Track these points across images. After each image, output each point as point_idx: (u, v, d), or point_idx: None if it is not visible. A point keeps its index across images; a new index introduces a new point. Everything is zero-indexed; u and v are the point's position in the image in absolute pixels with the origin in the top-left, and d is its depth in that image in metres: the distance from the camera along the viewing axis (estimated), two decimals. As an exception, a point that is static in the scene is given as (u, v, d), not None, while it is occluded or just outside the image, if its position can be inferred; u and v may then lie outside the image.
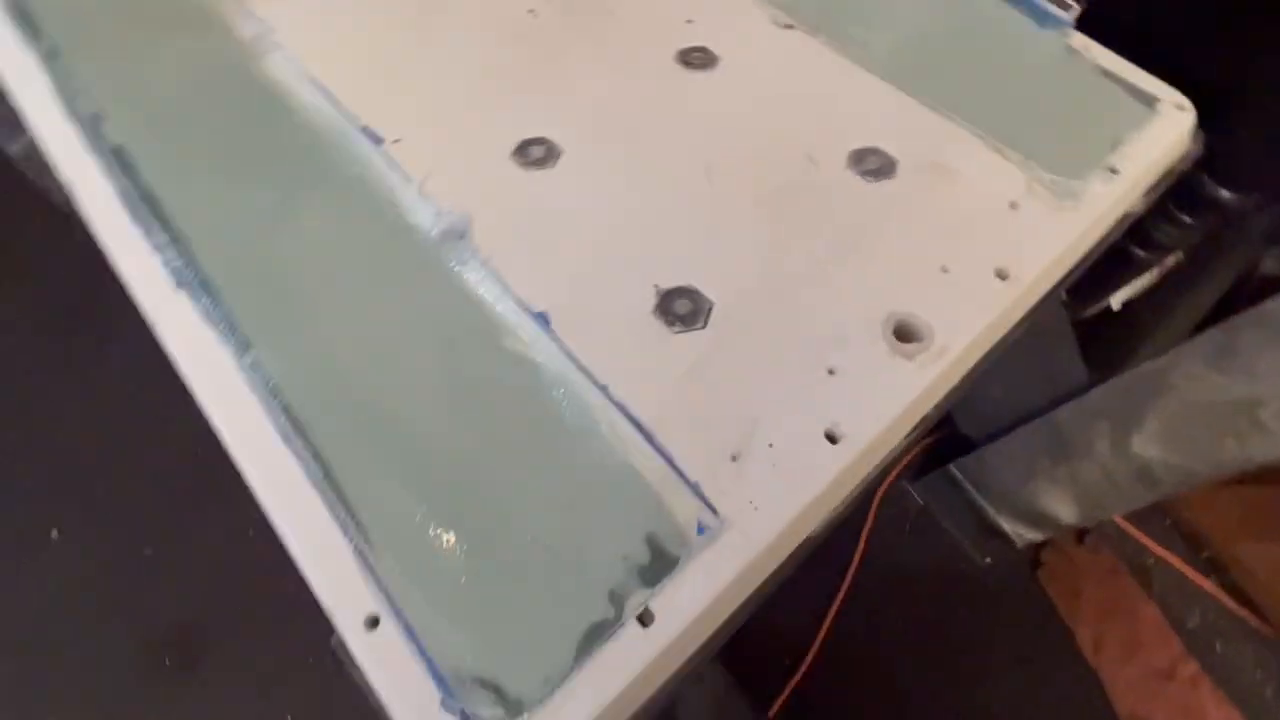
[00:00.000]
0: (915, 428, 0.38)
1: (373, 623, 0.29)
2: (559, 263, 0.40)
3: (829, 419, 0.35)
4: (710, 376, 0.36)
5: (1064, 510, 0.96)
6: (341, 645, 0.30)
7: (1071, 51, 0.50)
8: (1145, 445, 0.82)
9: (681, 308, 0.38)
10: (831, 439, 0.34)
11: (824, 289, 0.39)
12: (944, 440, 1.10)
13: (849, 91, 0.48)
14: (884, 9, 0.52)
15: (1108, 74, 0.48)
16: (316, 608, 0.30)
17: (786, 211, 0.42)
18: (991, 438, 0.99)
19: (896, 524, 1.11)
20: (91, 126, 0.43)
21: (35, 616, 0.95)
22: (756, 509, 0.32)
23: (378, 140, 0.44)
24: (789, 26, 0.51)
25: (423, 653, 0.28)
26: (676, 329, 0.37)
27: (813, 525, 0.34)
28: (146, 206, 0.40)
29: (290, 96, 0.46)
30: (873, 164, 0.44)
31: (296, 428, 0.33)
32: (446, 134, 0.45)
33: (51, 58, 0.46)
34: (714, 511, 0.32)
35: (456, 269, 0.39)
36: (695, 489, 0.32)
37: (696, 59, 0.49)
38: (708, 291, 0.39)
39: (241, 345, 0.35)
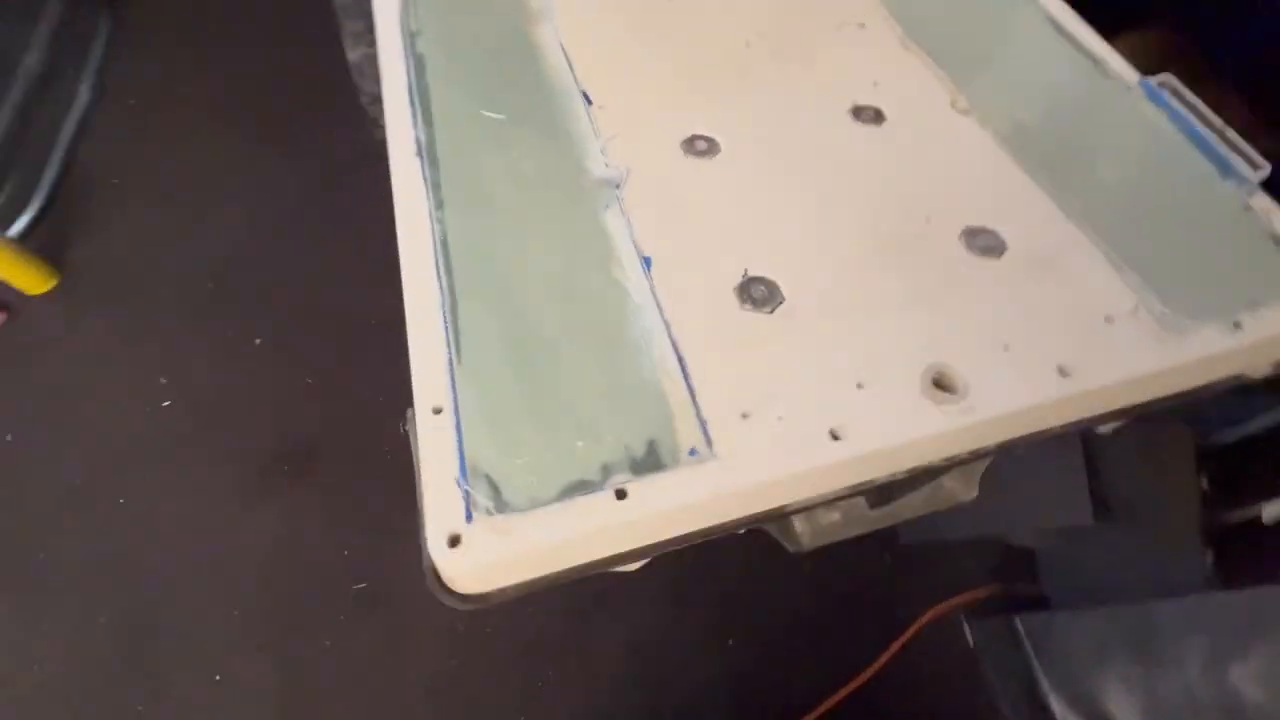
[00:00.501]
0: (918, 470, 0.41)
1: (436, 411, 0.39)
2: (679, 228, 0.48)
3: (839, 420, 0.39)
4: (755, 350, 0.42)
5: (1125, 715, 0.85)
6: (412, 422, 0.40)
7: (1247, 209, 0.49)
8: (1244, 680, 0.72)
9: (757, 292, 0.45)
10: (834, 436, 0.39)
11: (886, 322, 0.43)
12: (1018, 593, 1.02)
13: (991, 176, 0.51)
14: (1065, 119, 0.55)
15: (1277, 241, 0.47)
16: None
17: (885, 252, 0.47)
18: (1071, 604, 0.91)
19: (937, 653, 1.04)
20: (410, 41, 0.59)
21: (218, 403, 1.21)
22: (744, 457, 0.38)
23: (589, 101, 0.56)
24: (965, 112, 0.56)
25: (460, 443, 0.38)
26: (746, 306, 0.44)
27: (786, 498, 0.39)
28: (419, 98, 0.54)
29: (544, 55, 0.60)
30: (984, 241, 0.47)
31: (446, 268, 0.45)
32: (639, 112, 0.56)
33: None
34: (709, 444, 0.38)
35: (603, 208, 0.49)
36: (702, 422, 0.39)
37: (867, 115, 0.56)
38: (785, 288, 0.45)
39: (437, 203, 0.48)
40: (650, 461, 0.37)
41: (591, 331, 0.43)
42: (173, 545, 1.06)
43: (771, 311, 0.44)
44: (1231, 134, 0.50)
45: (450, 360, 0.41)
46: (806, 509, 0.40)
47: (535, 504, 0.36)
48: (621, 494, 0.36)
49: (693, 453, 0.38)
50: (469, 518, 0.35)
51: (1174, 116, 0.52)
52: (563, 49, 0.60)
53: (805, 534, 0.54)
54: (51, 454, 1.14)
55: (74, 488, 1.10)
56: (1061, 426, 0.42)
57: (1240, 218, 0.49)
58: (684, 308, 0.44)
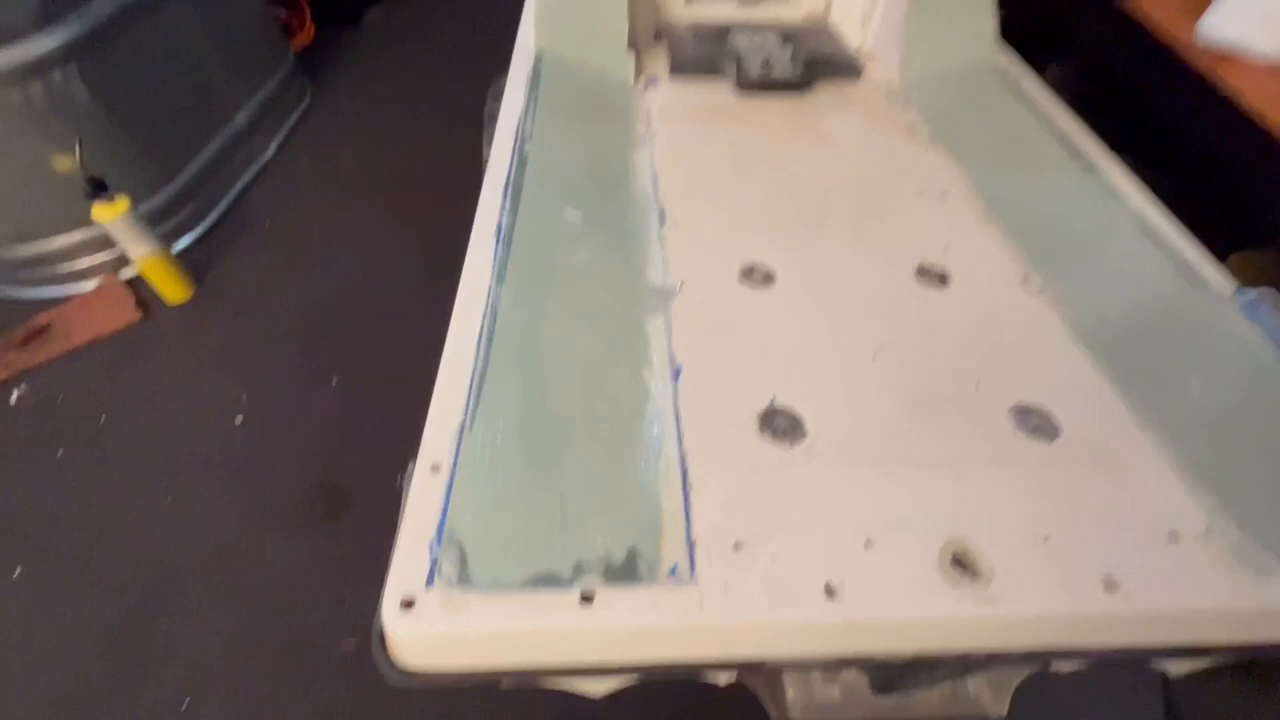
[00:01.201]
0: (925, 657, 0.36)
1: (435, 469, 0.40)
2: (718, 346, 0.49)
3: (838, 575, 0.36)
4: (764, 480, 0.40)
5: None
6: (408, 475, 0.41)
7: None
8: None
9: (781, 423, 0.43)
10: (829, 591, 0.35)
11: (911, 480, 0.41)
12: None
13: (1054, 359, 0.49)
14: (1147, 319, 0.52)
15: None
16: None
17: (924, 410, 0.45)
18: None
19: None
20: (520, 142, 0.67)
21: (282, 430, 1.29)
22: (726, 591, 0.35)
23: (663, 219, 0.60)
24: (1036, 292, 0.55)
25: (446, 505, 0.38)
26: (766, 436, 0.43)
27: (765, 649, 0.35)
28: (513, 190, 0.60)
29: (634, 174, 0.65)
30: (1035, 421, 0.44)
31: (489, 338, 0.47)
32: (708, 233, 0.59)
33: (532, 93, 0.72)
34: (692, 567, 0.36)
35: (650, 314, 0.51)
36: (690, 543, 0.37)
37: (931, 276, 0.55)
38: (810, 424, 0.43)
39: (499, 279, 0.51)
40: (626, 571, 0.36)
41: (606, 425, 0.43)
42: (196, 551, 1.09)
43: (791, 445, 0.42)
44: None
45: (464, 424, 0.42)
46: (791, 668, 0.36)
47: (498, 585, 0.35)
48: (587, 597, 0.34)
49: (673, 572, 0.36)
50: (429, 582, 0.35)
51: (1272, 331, 0.48)
52: (653, 170, 0.66)
53: (796, 705, 0.48)
54: (129, 441, 1.24)
55: (133, 476, 1.18)
56: (1105, 649, 0.36)
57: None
58: (703, 423, 0.43)
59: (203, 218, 1.60)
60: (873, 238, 0.60)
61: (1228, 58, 0.70)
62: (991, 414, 0.45)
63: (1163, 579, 0.36)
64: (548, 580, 0.35)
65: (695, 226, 0.59)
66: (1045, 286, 0.55)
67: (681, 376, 0.46)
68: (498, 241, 0.54)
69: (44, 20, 1.22)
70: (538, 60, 0.75)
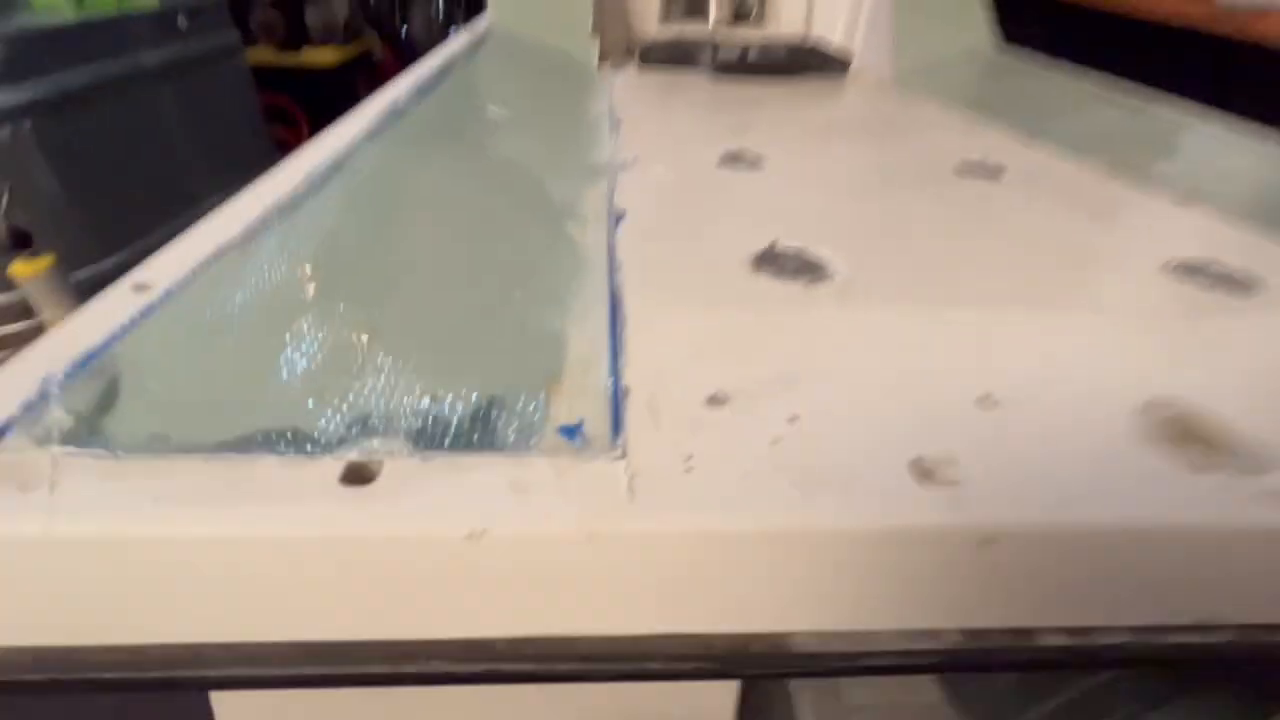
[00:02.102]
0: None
1: (139, 287, 0.21)
2: (680, 204, 0.32)
3: (938, 449, 0.16)
4: (768, 318, 0.22)
5: None
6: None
7: None
8: None
9: (789, 264, 0.25)
10: (924, 473, 0.16)
11: (1051, 326, 0.22)
12: None
13: (1195, 220, 0.32)
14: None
15: None
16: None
17: (1033, 261, 0.27)
18: None
19: None
20: (446, 64, 0.55)
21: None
22: (688, 469, 0.15)
23: (617, 127, 0.46)
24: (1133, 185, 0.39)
25: (124, 327, 0.19)
26: (765, 275, 0.25)
27: (775, 600, 0.15)
28: (421, 88, 0.47)
29: (586, 106, 0.53)
30: (1209, 277, 0.26)
31: (319, 182, 0.30)
32: (677, 131, 0.45)
33: (473, 47, 0.62)
34: (615, 430, 0.16)
35: (586, 184, 0.34)
36: (617, 393, 0.17)
37: (979, 171, 0.40)
38: (834, 267, 0.25)
39: (370, 139, 0.36)
40: (466, 430, 0.16)
41: (479, 266, 0.25)
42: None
43: (808, 285, 0.24)
44: None
45: (221, 248, 0.24)
46: (836, 666, 0.15)
47: (162, 445, 0.15)
48: (360, 473, 0.14)
49: (570, 432, 0.16)
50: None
51: None
52: (610, 106, 0.53)
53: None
54: None
55: None
56: None
57: None
58: (657, 268, 0.25)
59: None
60: (892, 146, 0.46)
61: (1256, 14, 0.61)
62: (1140, 271, 0.27)
63: None
64: (281, 441, 0.15)
65: (660, 133, 0.45)
66: (1149, 181, 0.39)
67: (624, 224, 0.29)
68: (386, 114, 0.39)
69: (6, 76, 1.18)
70: (488, 29, 0.66)
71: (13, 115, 1.19)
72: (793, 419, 0.17)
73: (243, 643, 0.14)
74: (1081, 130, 0.48)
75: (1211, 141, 0.45)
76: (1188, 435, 0.17)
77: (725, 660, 0.15)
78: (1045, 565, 0.15)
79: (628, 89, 0.60)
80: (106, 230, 1.37)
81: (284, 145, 2.24)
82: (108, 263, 1.36)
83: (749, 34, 0.85)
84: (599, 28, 0.77)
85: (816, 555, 0.14)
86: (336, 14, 2.18)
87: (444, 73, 0.50)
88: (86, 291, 1.33)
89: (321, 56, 2.15)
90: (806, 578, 0.15)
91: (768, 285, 0.24)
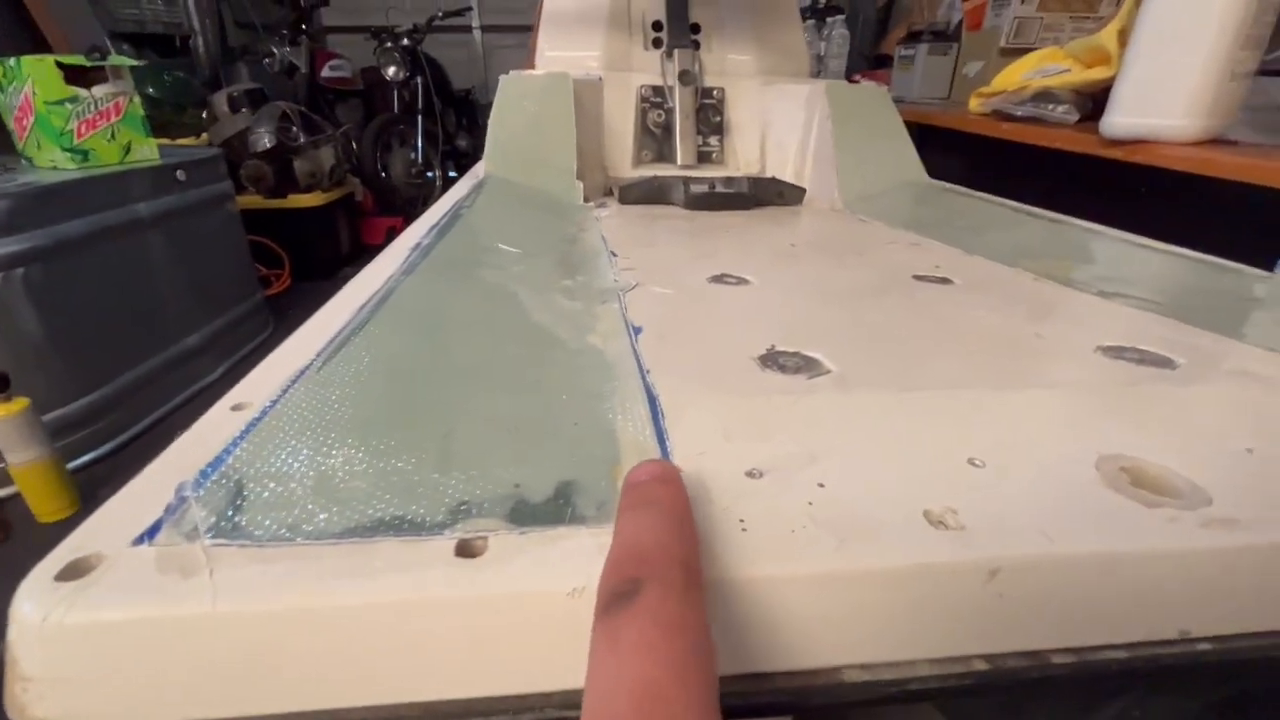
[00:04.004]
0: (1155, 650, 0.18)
1: (237, 407, 0.24)
2: (686, 316, 0.37)
3: (939, 502, 0.20)
4: (779, 404, 0.25)
5: None
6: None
7: None
8: None
9: (789, 362, 0.30)
10: (934, 522, 0.19)
11: (1013, 403, 0.26)
12: None
13: (1116, 319, 0.38)
14: (1175, 284, 0.43)
15: None
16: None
17: (989, 353, 0.32)
18: None
19: None
20: (456, 207, 0.62)
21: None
22: (744, 530, 0.18)
23: (614, 256, 0.52)
24: (1060, 285, 0.46)
25: (236, 441, 0.21)
26: (771, 370, 0.29)
27: (826, 640, 0.17)
28: (440, 229, 0.53)
29: (581, 237, 0.59)
30: (1134, 356, 0.32)
31: (375, 306, 0.34)
32: (667, 261, 0.51)
33: (475, 190, 0.69)
34: None
35: (599, 302, 0.39)
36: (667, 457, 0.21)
37: (930, 280, 0.47)
38: (829, 363, 0.30)
39: (405, 272, 0.40)
40: (550, 509, 0.19)
41: (528, 369, 0.28)
42: None
43: (809, 378, 0.28)
44: None
45: (305, 368, 0.27)
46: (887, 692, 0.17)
47: (295, 534, 0.17)
48: (469, 549, 0.17)
49: None
50: (150, 535, 0.17)
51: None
52: (601, 234, 0.60)
53: None
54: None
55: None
56: None
57: None
58: (677, 366, 0.29)
59: (119, 433, 1.45)
60: (855, 262, 0.53)
61: (1139, 144, 0.74)
62: (1076, 352, 0.32)
63: None
64: (398, 526, 0.18)
65: (653, 259, 0.52)
66: (1071, 284, 0.46)
67: (642, 335, 0.33)
68: (413, 251, 0.45)
69: (6, 227, 1.23)
70: (485, 178, 0.75)
71: (6, 264, 1.23)
72: (820, 485, 0.20)
73: (379, 704, 0.15)
74: (1009, 244, 0.57)
75: (1116, 249, 0.53)
76: (1139, 481, 0.21)
77: (783, 694, 0.17)
78: (1043, 591, 0.18)
79: (614, 224, 0.67)
80: (84, 370, 1.38)
81: (266, 282, 2.32)
82: (76, 405, 1.35)
83: (714, 173, 0.96)
84: (581, 172, 0.87)
85: (856, 595, 0.17)
86: (323, 163, 2.35)
87: (454, 215, 0.56)
88: (64, 429, 1.31)
89: (306, 200, 2.29)
90: (850, 616, 0.17)
91: (776, 379, 0.28)
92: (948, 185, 0.81)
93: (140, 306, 1.54)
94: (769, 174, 0.98)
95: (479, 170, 0.77)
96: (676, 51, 1.00)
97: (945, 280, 0.46)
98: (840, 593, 0.17)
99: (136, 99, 1.51)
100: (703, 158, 1.03)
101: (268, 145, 2.17)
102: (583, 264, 0.48)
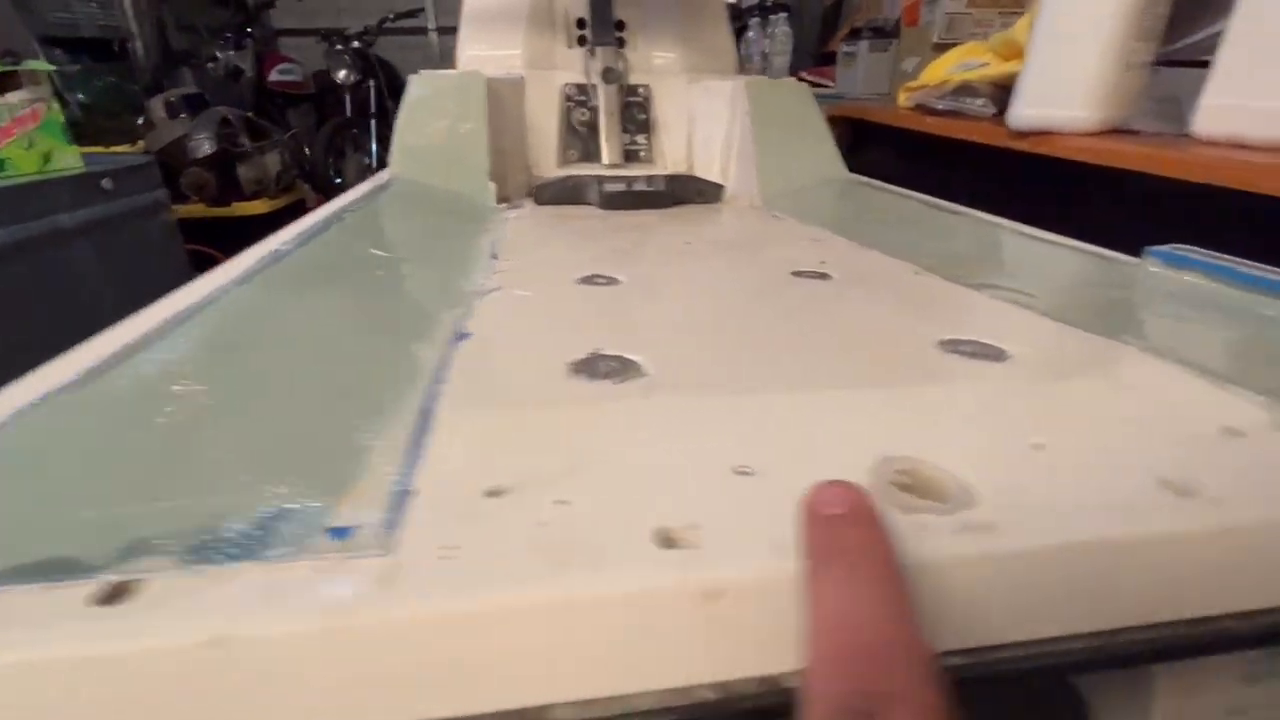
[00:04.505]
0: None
1: None
2: (525, 319, 0.35)
3: (685, 519, 0.18)
4: (565, 415, 0.24)
5: None
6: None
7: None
8: None
9: (605, 366, 0.28)
10: (667, 541, 0.17)
11: (812, 403, 0.25)
12: None
13: (980, 312, 0.37)
14: (1046, 279, 0.43)
15: None
16: None
17: (823, 351, 0.31)
18: None
19: None
20: (338, 211, 0.59)
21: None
22: (452, 559, 0.17)
23: (495, 256, 0.50)
24: (939, 278, 0.45)
25: None
26: (580, 379, 0.27)
27: (520, 669, 0.16)
28: (308, 234, 0.50)
29: (473, 242, 0.57)
30: (969, 349, 0.31)
31: (179, 322, 0.32)
32: (547, 260, 0.49)
33: (372, 194, 0.67)
34: (388, 523, 0.18)
35: (448, 309, 0.37)
36: (402, 492, 0.19)
37: (810, 276, 0.46)
38: (650, 367, 0.28)
39: (240, 282, 0.38)
40: (243, 543, 0.17)
41: (317, 395, 0.26)
42: None
43: (618, 383, 0.27)
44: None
45: (57, 389, 0.25)
46: None
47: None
48: (114, 593, 0.15)
49: (339, 534, 0.17)
50: None
51: (1205, 268, 0.39)
52: (493, 241, 0.58)
53: None
54: None
55: None
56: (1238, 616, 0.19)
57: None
58: (481, 376, 0.27)
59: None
60: (743, 259, 0.51)
61: (1043, 135, 0.74)
62: (914, 346, 0.31)
63: (1250, 475, 0.21)
64: (59, 570, 0.16)
65: (535, 261, 0.50)
66: (952, 277, 0.45)
67: (465, 342, 0.31)
68: (266, 259, 0.42)
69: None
70: (388, 181, 0.72)
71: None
72: (563, 502, 0.19)
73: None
74: (908, 238, 0.56)
75: (1008, 241, 0.53)
76: (912, 484, 0.20)
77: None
78: (775, 612, 0.16)
79: (517, 225, 0.65)
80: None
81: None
82: None
83: (636, 171, 0.95)
84: (498, 172, 0.85)
85: (563, 627, 0.16)
86: (269, 169, 2.29)
87: (336, 219, 0.54)
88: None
89: (252, 208, 2.23)
90: (558, 650, 0.16)
91: (580, 387, 0.26)
92: (867, 180, 0.81)
93: (68, 320, 1.48)
94: (697, 172, 0.97)
95: (383, 175, 0.75)
96: (599, 49, 0.99)
97: (824, 276, 0.45)
98: (545, 625, 0.16)
99: (55, 105, 1.45)
100: (630, 156, 1.02)
101: (208, 151, 2.11)
102: (456, 268, 0.46)
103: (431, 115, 0.79)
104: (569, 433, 0.22)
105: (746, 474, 0.20)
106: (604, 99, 0.99)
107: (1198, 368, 0.28)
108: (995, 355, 0.30)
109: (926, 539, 0.18)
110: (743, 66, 1.98)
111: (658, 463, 0.21)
